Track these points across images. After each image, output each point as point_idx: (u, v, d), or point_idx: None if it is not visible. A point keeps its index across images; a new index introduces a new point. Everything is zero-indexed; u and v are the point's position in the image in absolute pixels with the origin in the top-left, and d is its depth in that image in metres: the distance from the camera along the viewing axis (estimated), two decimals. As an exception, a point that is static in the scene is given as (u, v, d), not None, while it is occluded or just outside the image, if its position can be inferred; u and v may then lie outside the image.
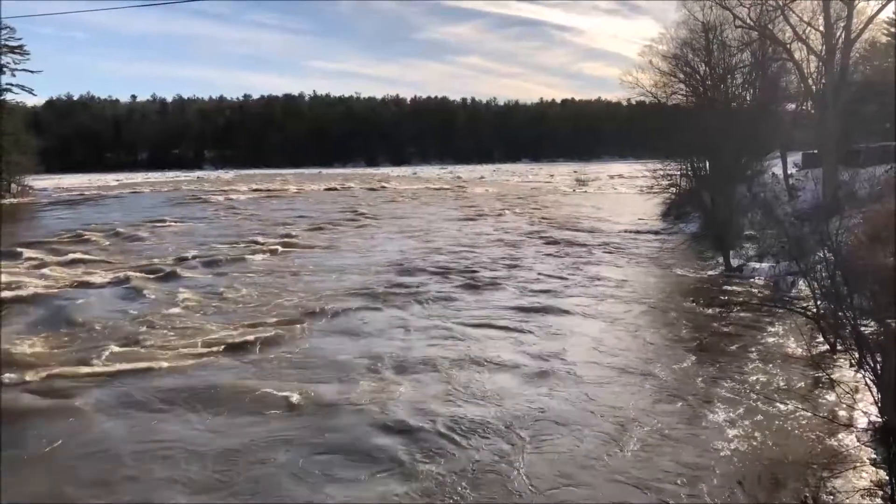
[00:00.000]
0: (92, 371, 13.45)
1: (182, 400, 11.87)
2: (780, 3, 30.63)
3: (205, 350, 14.82)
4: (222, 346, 15.01)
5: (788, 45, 32.51)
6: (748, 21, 32.25)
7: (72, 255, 28.11)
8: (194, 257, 27.75)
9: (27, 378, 12.93)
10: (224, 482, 8.97)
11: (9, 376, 12.86)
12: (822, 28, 30.56)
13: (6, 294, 20.41)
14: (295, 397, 11.80)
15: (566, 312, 18.05)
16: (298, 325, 16.91)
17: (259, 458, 9.58)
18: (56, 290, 21.42)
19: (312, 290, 21.39)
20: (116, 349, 14.73)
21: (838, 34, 29.79)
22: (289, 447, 9.92)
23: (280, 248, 30.62)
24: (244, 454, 9.69)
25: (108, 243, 32.71)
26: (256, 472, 9.18)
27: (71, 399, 11.98)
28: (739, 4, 31.98)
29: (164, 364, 13.80)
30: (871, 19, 30.41)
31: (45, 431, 10.57)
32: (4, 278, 22.25)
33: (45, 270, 24.74)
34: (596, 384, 12.31)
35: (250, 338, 15.56)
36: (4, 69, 68.17)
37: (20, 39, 68.47)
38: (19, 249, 29.01)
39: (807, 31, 31.76)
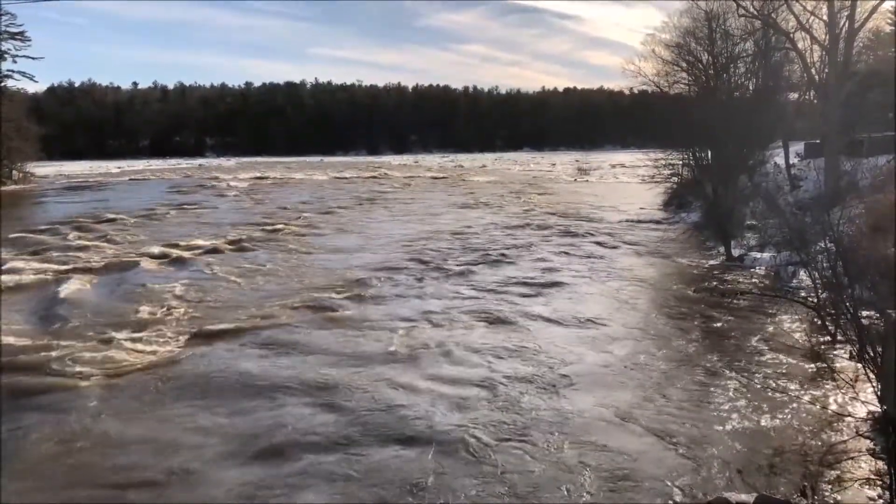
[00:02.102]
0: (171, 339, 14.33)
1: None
2: (784, -9, 30.56)
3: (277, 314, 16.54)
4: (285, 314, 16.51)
5: (792, 35, 32.41)
6: (751, 10, 32.15)
7: (81, 240, 28.48)
8: (210, 241, 28.22)
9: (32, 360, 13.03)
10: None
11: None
12: (825, 17, 30.47)
13: (15, 278, 20.55)
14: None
15: (568, 299, 18.09)
16: (339, 298, 18.28)
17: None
18: (73, 275, 21.61)
19: (338, 267, 22.94)
20: (144, 329, 14.89)
21: (842, 23, 29.71)
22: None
23: (295, 232, 31.65)
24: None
25: (113, 229, 32.66)
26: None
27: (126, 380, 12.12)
28: (743, -7, 31.91)
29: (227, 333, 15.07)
30: (874, 9, 30.35)
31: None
32: (10, 263, 22.36)
33: (59, 255, 24.97)
34: (591, 371, 12.37)
35: (301, 311, 16.94)
36: (5, 55, 68.06)
37: (21, 25, 68.31)
38: (24, 235, 29.13)
39: (810, 21, 31.72)
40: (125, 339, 14.37)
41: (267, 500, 8.23)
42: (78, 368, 12.66)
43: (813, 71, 32.69)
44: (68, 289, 19.14)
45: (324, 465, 8.99)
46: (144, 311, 16.87)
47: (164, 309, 17.05)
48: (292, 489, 8.47)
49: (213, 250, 26.21)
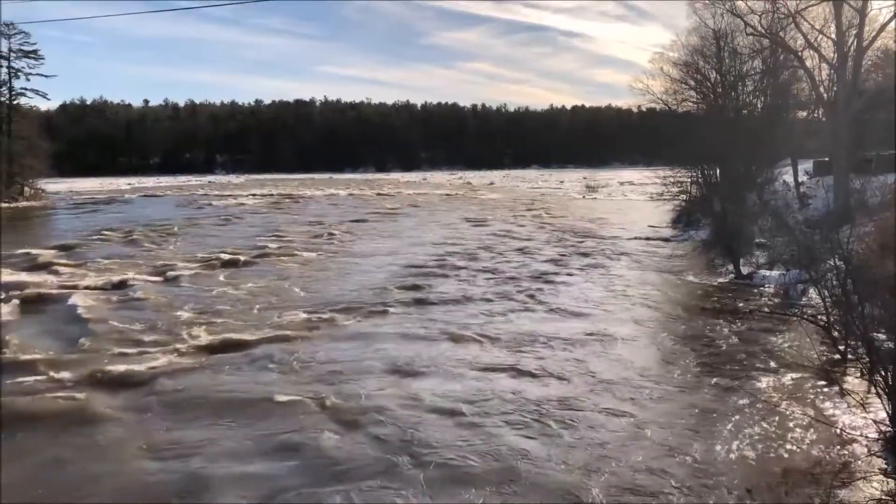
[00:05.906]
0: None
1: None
2: (792, 10, 30.63)
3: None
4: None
5: (800, 53, 32.47)
6: (759, 28, 32.26)
7: (100, 255, 29.01)
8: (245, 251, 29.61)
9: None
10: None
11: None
12: (833, 36, 30.53)
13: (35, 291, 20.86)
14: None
15: (574, 316, 18.03)
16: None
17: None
18: (105, 285, 22.25)
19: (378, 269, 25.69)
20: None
21: (850, 42, 29.74)
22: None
23: (322, 246, 32.92)
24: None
25: (130, 243, 33.09)
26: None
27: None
28: (751, 12, 32.07)
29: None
30: (883, 27, 30.33)
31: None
32: (26, 278, 22.64)
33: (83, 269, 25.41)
34: (598, 384, 12.33)
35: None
36: (19, 74, 69.01)
37: (35, 44, 69.36)
38: (33, 251, 29.39)
39: (818, 39, 31.76)
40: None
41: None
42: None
43: (821, 89, 32.71)
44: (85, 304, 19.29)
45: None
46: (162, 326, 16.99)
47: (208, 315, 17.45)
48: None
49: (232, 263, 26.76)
